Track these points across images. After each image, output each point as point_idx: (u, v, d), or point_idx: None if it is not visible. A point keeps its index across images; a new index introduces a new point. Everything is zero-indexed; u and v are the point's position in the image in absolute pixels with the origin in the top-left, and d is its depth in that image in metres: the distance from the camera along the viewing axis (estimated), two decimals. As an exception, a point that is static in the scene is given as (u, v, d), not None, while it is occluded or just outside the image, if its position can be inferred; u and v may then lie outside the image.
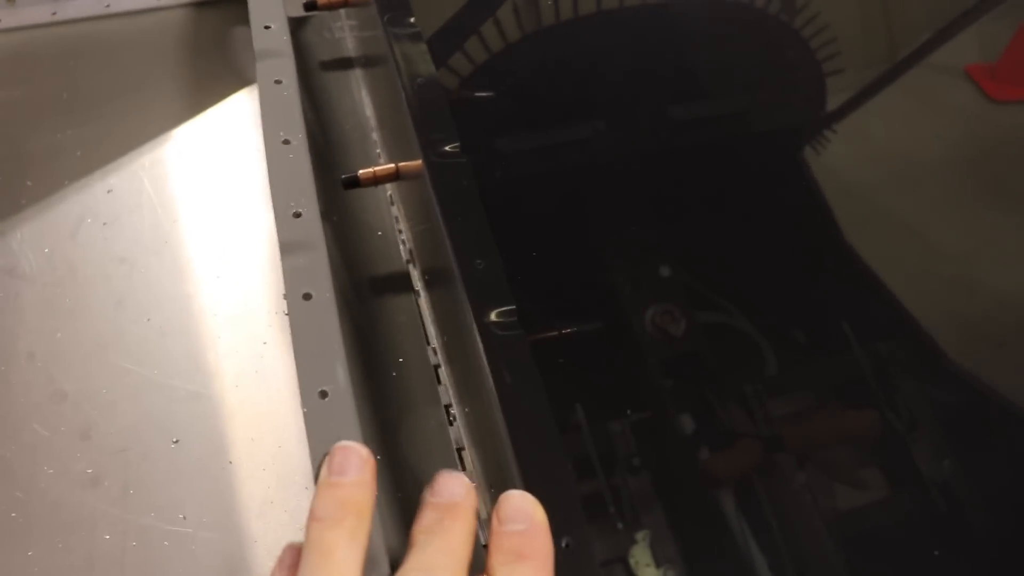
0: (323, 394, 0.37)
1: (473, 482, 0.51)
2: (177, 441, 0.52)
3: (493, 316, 0.42)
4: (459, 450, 0.51)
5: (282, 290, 0.61)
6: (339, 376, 0.37)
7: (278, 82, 0.50)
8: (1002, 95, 0.44)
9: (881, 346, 0.39)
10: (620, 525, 0.42)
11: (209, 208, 0.64)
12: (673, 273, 0.45)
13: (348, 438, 0.35)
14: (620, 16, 0.56)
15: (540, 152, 0.52)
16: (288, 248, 0.41)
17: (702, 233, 0.46)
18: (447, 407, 0.51)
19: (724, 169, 0.48)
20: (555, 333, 0.46)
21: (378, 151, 0.68)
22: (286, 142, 0.45)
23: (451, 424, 0.51)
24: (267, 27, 0.54)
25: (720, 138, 0.51)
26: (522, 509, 0.32)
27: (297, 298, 0.39)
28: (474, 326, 0.41)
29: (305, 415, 0.36)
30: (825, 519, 0.30)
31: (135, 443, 0.53)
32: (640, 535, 0.43)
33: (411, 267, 0.61)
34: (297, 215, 0.42)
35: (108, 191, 0.64)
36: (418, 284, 0.60)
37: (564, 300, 0.51)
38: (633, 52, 0.56)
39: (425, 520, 0.33)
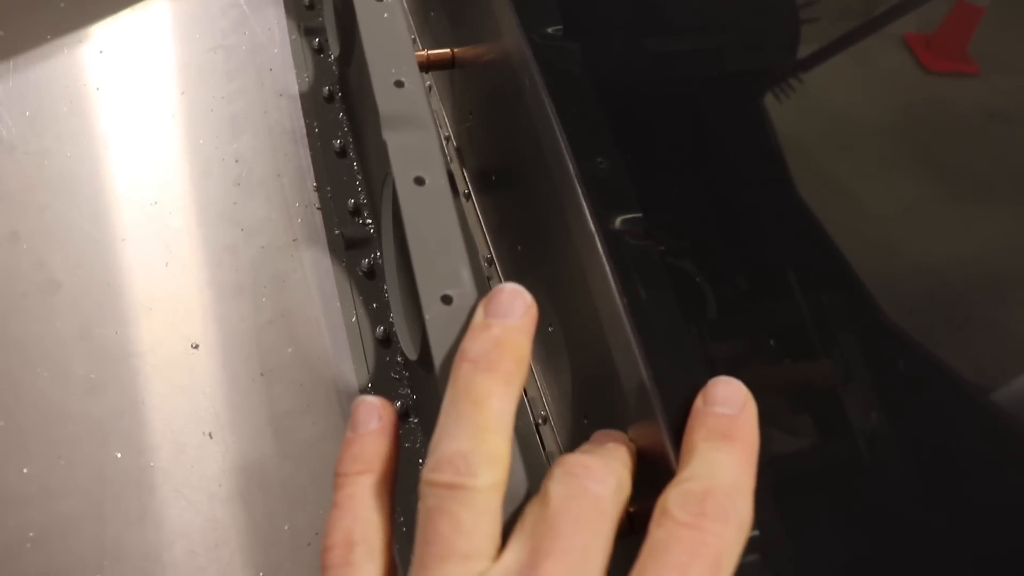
0: (447, 299, 0.31)
1: (544, 412, 0.47)
2: (197, 346, 0.45)
3: (619, 224, 0.37)
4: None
5: (312, 181, 0.53)
6: (464, 278, 0.31)
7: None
8: (935, 66, 0.44)
9: (821, 298, 0.39)
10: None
11: (223, 78, 0.55)
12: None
13: None
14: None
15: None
16: (391, 122, 0.34)
17: (654, 169, 0.44)
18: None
19: (689, 106, 0.46)
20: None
21: (413, 36, 0.60)
22: (377, -4, 0.38)
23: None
24: None
25: (693, 75, 0.48)
26: (733, 395, 0.28)
27: (408, 182, 0.32)
28: (595, 235, 0.36)
29: (427, 323, 0.30)
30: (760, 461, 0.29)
31: (146, 347, 0.45)
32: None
33: (454, 166, 0.54)
34: (399, 84, 0.35)
35: (99, 51, 0.55)
36: (466, 187, 0.53)
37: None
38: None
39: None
